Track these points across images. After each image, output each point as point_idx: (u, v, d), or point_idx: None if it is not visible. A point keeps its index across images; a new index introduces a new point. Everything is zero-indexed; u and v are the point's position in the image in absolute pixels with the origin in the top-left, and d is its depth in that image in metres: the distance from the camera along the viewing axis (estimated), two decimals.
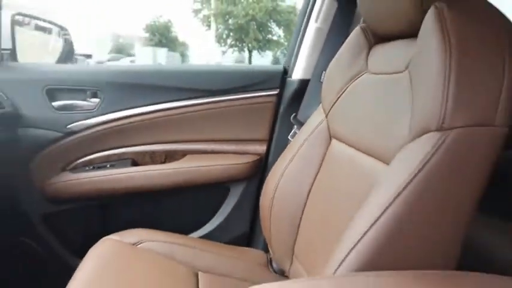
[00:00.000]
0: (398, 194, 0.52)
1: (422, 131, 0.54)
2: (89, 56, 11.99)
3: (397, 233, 0.52)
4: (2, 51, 1.13)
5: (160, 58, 15.40)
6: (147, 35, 20.78)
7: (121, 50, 21.27)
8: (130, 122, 1.19)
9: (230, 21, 17.65)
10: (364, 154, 0.75)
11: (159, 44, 20.49)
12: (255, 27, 17.26)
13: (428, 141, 0.53)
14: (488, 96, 0.52)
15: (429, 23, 0.57)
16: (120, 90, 1.19)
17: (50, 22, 1.45)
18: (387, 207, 0.52)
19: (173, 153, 1.24)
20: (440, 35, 0.54)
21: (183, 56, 22.05)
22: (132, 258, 0.93)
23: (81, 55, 8.81)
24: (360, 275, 0.51)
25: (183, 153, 1.24)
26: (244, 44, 17.88)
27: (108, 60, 12.40)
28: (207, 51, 19.20)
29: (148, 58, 15.37)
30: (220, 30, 18.29)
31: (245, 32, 17.30)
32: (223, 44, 18.45)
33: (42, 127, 1.13)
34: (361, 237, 0.54)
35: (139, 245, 0.97)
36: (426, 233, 0.53)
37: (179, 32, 22.16)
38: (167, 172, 1.21)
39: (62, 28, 1.42)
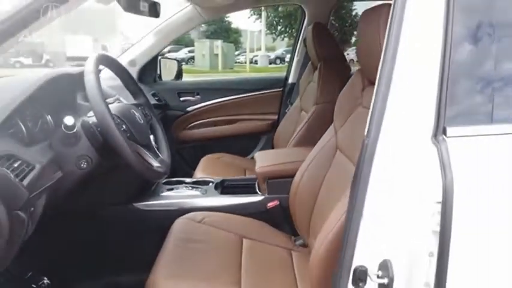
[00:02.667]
0: None
1: None
2: None
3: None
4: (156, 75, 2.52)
5: (215, 49, 16.88)
6: (202, 25, 22.36)
7: (180, 41, 23.12)
8: (209, 105, 2.56)
9: (280, 8, 18.62)
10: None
11: (214, 33, 22.03)
12: None
13: None
14: None
15: None
16: (207, 91, 2.57)
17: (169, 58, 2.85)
18: None
19: (230, 120, 2.58)
20: None
21: (237, 42, 23.42)
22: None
23: None
24: None
25: (235, 120, 2.59)
26: (293, 30, 18.81)
27: (169, 52, 14.08)
28: (259, 38, 20.43)
29: (206, 49, 16.88)
30: (270, 18, 19.39)
31: (294, 19, 18.22)
32: (273, 31, 19.56)
33: (176, 109, 2.52)
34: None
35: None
36: None
37: (233, 21, 23.56)
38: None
39: (176, 60, 2.80)
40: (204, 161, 2.18)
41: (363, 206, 0.72)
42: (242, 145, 2.55)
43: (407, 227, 0.72)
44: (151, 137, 1.24)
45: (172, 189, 1.64)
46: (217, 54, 16.88)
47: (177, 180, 1.74)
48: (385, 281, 0.67)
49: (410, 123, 0.73)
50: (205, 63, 16.83)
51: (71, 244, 1.49)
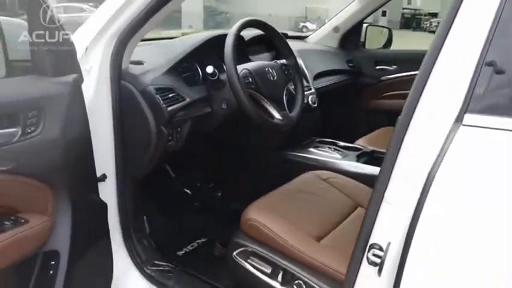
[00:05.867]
0: None
1: None
2: None
3: None
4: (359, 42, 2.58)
5: None
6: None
7: None
8: (403, 77, 2.45)
9: None
10: None
11: None
12: None
13: None
14: None
15: None
16: (405, 62, 2.45)
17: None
18: None
19: None
20: None
21: None
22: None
23: None
24: None
25: None
26: None
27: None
28: None
29: None
30: None
31: None
32: None
33: (370, 77, 2.54)
34: None
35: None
36: None
37: None
38: None
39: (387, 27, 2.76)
40: (378, 131, 2.19)
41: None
42: None
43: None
44: (286, 93, 1.43)
45: (318, 147, 1.80)
46: None
47: (330, 141, 1.87)
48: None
49: (440, 106, 0.68)
50: None
51: (237, 169, 1.92)
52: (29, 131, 0.87)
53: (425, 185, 0.64)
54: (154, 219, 1.58)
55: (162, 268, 1.39)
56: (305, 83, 1.80)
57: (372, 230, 0.78)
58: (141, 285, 1.34)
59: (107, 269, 1.19)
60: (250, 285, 1.22)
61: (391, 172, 0.74)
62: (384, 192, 0.76)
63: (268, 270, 1.19)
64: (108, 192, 1.28)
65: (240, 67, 1.34)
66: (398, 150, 0.73)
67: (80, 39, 1.20)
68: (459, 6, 0.66)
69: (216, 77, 1.34)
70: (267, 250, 1.19)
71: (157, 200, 1.73)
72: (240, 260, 1.24)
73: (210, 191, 1.97)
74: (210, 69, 1.31)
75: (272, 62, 1.47)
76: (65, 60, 0.99)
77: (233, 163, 1.93)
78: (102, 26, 1.17)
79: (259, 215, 1.23)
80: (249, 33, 1.65)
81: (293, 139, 1.84)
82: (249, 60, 1.59)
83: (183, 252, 1.62)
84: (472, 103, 0.64)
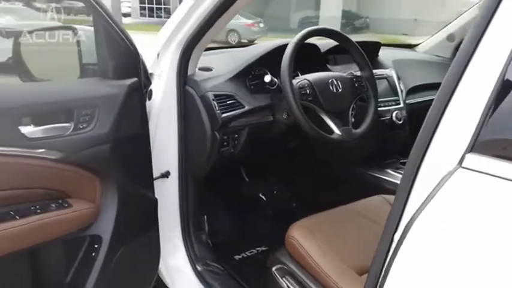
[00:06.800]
0: None
1: None
2: None
3: None
4: None
5: None
6: None
7: None
8: None
9: None
10: None
11: None
12: None
13: None
14: None
15: None
16: None
17: None
18: None
19: None
20: None
21: None
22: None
23: None
24: None
25: None
26: None
27: None
28: None
29: None
30: None
31: None
32: None
33: None
34: None
35: None
36: None
37: None
38: None
39: None
40: None
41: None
42: None
43: None
44: (353, 107, 1.32)
45: (399, 168, 1.61)
46: None
47: None
48: None
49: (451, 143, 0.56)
50: None
51: (312, 181, 1.86)
52: (81, 127, 0.99)
53: (405, 227, 0.54)
54: (217, 220, 1.63)
55: (211, 269, 1.43)
56: (390, 98, 1.64)
57: None
58: (189, 280, 1.40)
59: (152, 261, 1.27)
60: None
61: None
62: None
63: None
64: (170, 187, 1.38)
65: (301, 77, 1.29)
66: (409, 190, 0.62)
67: (154, 45, 1.32)
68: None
69: (275, 86, 1.31)
70: (301, 272, 1.13)
71: (225, 202, 1.78)
72: (278, 276, 1.20)
73: (286, 201, 1.94)
74: (267, 78, 1.29)
75: (339, 74, 1.38)
76: (126, 65, 1.10)
77: (308, 175, 1.87)
78: (170, 34, 1.25)
79: (300, 233, 1.17)
80: (329, 42, 1.57)
81: (377, 157, 1.69)
82: (328, 71, 1.52)
83: (240, 256, 1.63)
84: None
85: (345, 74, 1.38)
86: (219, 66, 1.41)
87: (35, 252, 1.00)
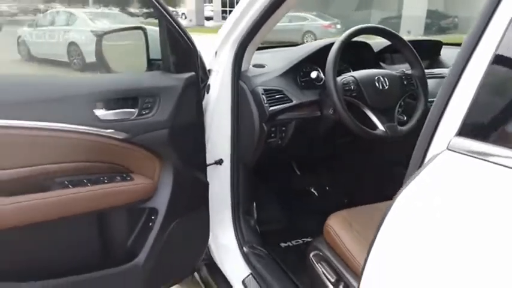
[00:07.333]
0: None
1: None
2: None
3: None
4: None
5: None
6: None
7: None
8: None
9: None
10: None
11: None
12: None
13: None
14: None
15: None
16: None
17: None
18: None
19: None
20: None
21: None
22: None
23: None
24: None
25: None
26: None
27: None
28: None
29: None
30: None
31: None
32: None
33: None
34: None
35: None
36: None
37: None
38: None
39: None
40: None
41: None
42: None
43: None
44: (400, 104, 1.34)
45: None
46: None
47: None
48: None
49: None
50: None
51: (364, 179, 1.87)
52: (144, 113, 1.15)
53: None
54: (267, 209, 1.73)
55: (257, 252, 1.53)
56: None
57: None
58: (235, 258, 1.52)
59: (202, 237, 1.41)
60: None
61: None
62: None
63: (333, 279, 1.18)
64: (223, 174, 1.51)
65: (347, 74, 1.34)
66: None
67: (214, 43, 1.46)
68: None
69: (322, 82, 1.37)
70: (335, 259, 1.19)
71: (275, 193, 1.87)
72: (314, 262, 1.26)
73: (338, 197, 1.98)
74: (314, 74, 1.36)
75: (388, 71, 1.39)
76: (185, 61, 1.25)
77: (361, 173, 1.89)
78: (226, 33, 1.38)
79: (337, 223, 1.22)
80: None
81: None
82: (381, 69, 1.54)
83: (286, 244, 1.71)
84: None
85: (394, 72, 1.40)
86: (271, 63, 1.51)
87: (104, 216, 1.18)
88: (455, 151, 0.55)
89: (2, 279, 0.97)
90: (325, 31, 12.83)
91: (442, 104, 0.63)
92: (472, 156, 0.52)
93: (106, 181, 1.11)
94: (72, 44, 8.68)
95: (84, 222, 1.14)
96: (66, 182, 1.06)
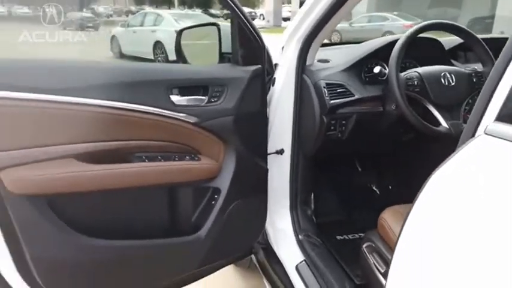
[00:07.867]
0: None
1: None
2: None
3: None
4: None
5: None
6: None
7: None
8: None
9: None
10: None
11: None
12: None
13: None
14: None
15: None
16: None
17: None
18: None
19: None
20: None
21: None
22: None
23: None
24: None
25: None
26: None
27: None
28: None
29: None
30: None
31: None
32: None
33: None
34: None
35: None
36: None
37: None
38: None
39: None
40: None
41: None
42: None
43: None
44: (468, 102, 1.31)
45: None
46: None
47: None
48: None
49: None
50: None
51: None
52: (213, 100, 1.27)
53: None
54: (325, 201, 1.78)
55: (312, 240, 1.59)
56: None
57: None
58: (290, 244, 1.60)
59: (259, 219, 1.50)
60: (369, 279, 1.27)
61: None
62: None
63: (383, 270, 1.20)
64: (284, 163, 1.59)
65: (411, 70, 1.34)
66: None
67: (281, 40, 1.54)
68: None
69: (385, 77, 1.39)
70: (386, 251, 1.21)
71: (336, 187, 1.90)
72: (366, 252, 1.30)
73: (400, 197, 1.95)
74: (377, 69, 1.38)
75: (456, 68, 1.36)
76: (252, 54, 1.35)
77: (425, 172, 1.85)
78: (293, 30, 1.46)
79: (391, 216, 1.25)
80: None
81: None
82: (452, 66, 1.51)
83: (342, 237, 1.74)
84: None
85: (463, 69, 1.37)
86: (335, 58, 1.55)
87: (174, 191, 1.33)
88: (492, 135, 0.57)
89: (88, 235, 1.15)
90: (406, 31, 12.24)
91: (489, 93, 0.65)
92: (509, 140, 0.55)
93: (176, 159, 1.25)
94: (157, 43, 9.38)
95: (157, 194, 1.29)
96: (143, 157, 1.21)
